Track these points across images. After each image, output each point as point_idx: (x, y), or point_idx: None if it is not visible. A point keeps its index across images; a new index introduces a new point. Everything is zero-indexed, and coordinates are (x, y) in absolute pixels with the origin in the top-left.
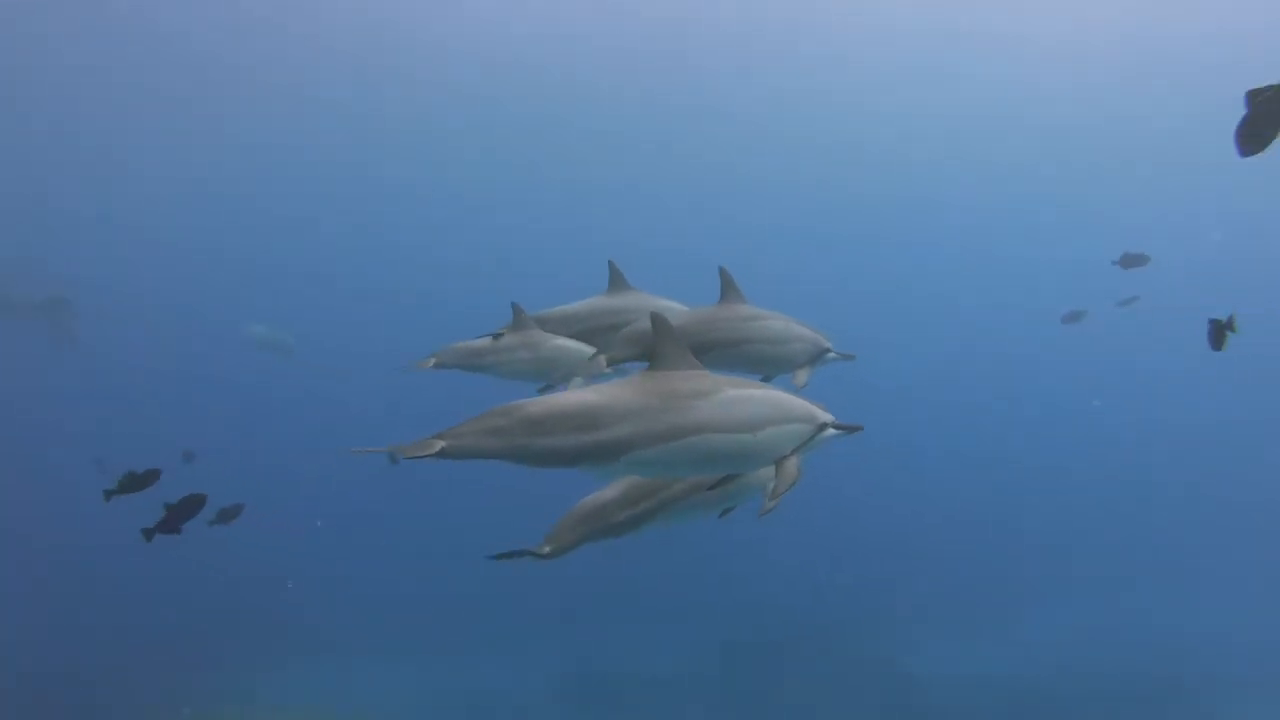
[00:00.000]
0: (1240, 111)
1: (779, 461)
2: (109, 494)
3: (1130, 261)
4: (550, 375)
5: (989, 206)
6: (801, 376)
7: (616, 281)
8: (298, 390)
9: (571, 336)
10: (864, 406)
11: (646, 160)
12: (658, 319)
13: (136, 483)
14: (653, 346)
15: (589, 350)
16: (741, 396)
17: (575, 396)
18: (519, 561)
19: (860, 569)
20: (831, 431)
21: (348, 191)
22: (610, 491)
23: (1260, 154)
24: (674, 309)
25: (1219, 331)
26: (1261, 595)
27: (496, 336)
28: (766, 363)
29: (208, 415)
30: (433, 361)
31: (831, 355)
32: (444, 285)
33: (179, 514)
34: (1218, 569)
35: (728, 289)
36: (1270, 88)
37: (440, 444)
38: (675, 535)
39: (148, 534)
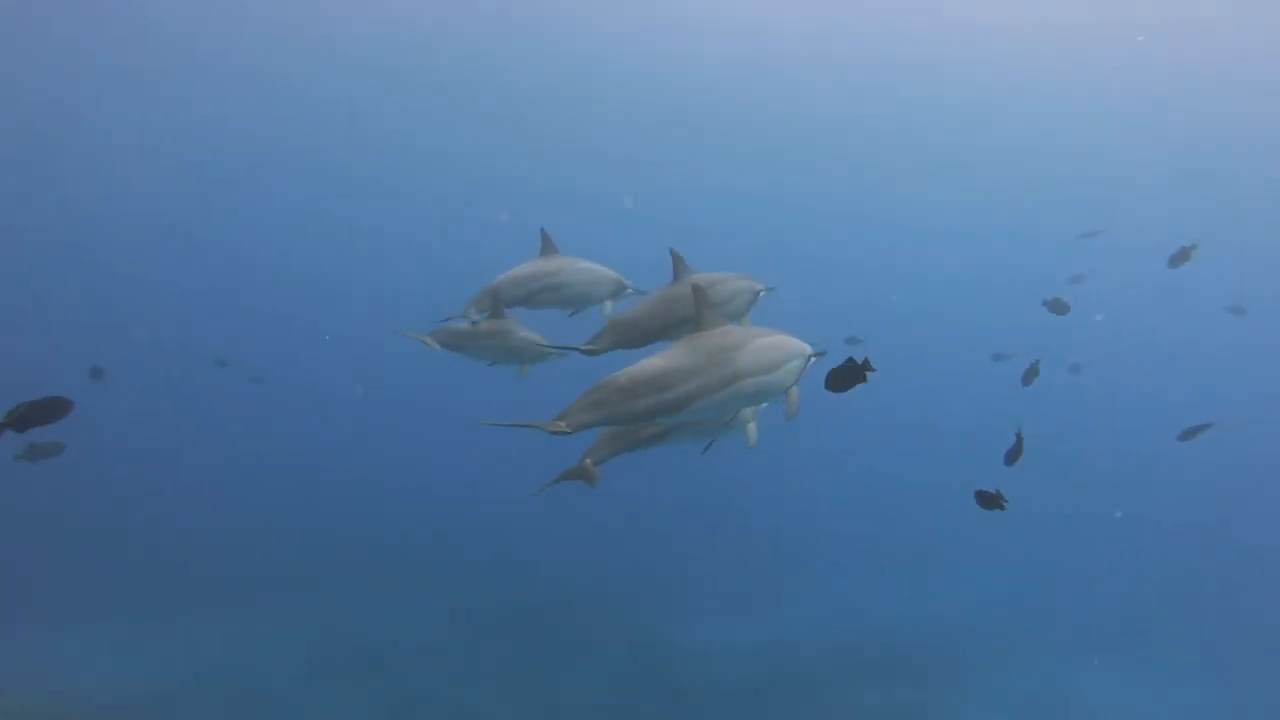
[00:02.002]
0: None
1: (789, 390)
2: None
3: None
4: (515, 360)
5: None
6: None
7: (548, 248)
8: None
9: (519, 295)
10: None
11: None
12: (698, 290)
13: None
14: (635, 337)
15: (544, 340)
16: (763, 344)
17: (650, 365)
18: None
19: (638, 547)
20: (813, 359)
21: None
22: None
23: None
24: (603, 271)
25: None
26: (999, 579)
27: (474, 324)
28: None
29: None
30: (430, 338)
31: (762, 291)
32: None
33: (34, 413)
34: (964, 554)
35: (680, 268)
36: None
37: (564, 424)
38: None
39: None
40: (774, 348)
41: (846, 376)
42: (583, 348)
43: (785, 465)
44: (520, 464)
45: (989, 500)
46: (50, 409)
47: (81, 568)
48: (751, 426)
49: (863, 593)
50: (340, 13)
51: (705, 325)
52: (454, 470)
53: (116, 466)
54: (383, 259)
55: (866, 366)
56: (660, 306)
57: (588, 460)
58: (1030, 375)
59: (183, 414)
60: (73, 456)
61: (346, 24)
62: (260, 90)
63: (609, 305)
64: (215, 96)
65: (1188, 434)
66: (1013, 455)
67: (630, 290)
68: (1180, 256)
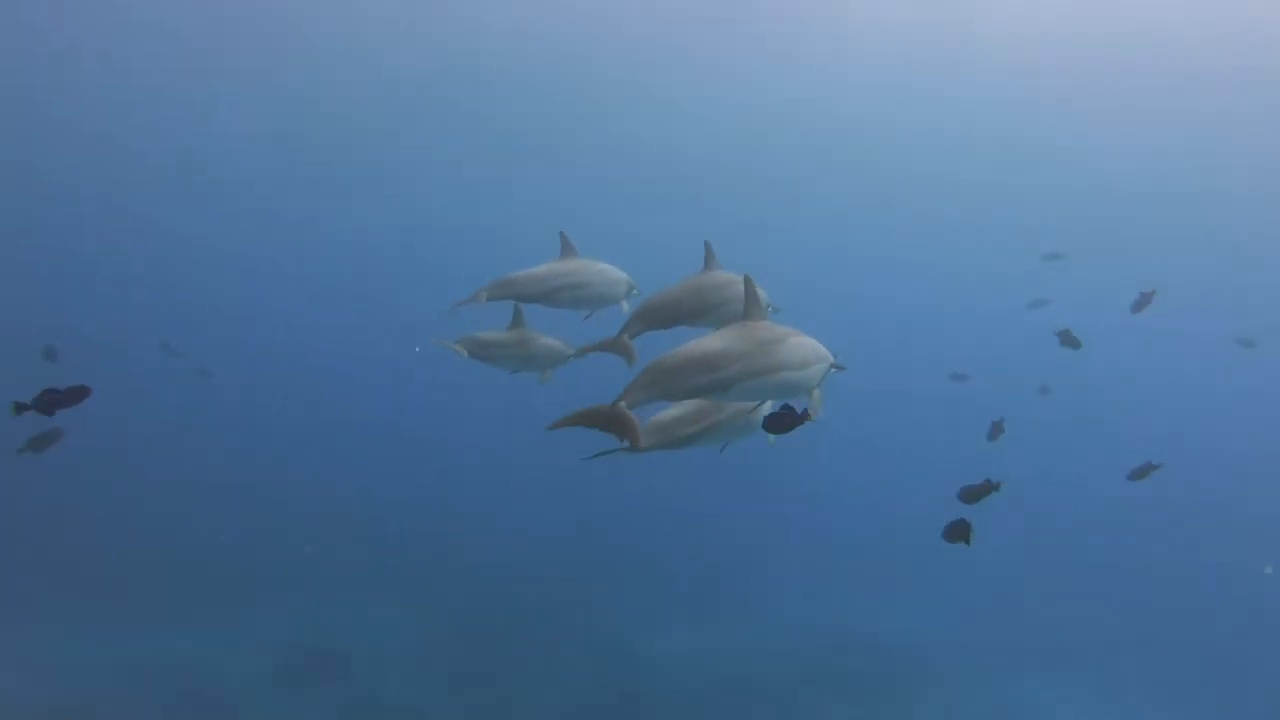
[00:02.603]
0: None
1: (813, 390)
2: (19, 407)
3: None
4: (535, 367)
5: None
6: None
7: (566, 249)
8: None
9: (539, 291)
10: None
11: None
12: (749, 284)
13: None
14: (663, 320)
15: (567, 348)
16: (799, 342)
17: (698, 346)
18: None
19: (602, 556)
20: (833, 369)
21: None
22: (674, 412)
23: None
24: (618, 273)
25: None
26: (956, 599)
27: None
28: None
29: None
30: (458, 346)
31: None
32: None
33: (60, 398)
34: (924, 572)
35: (710, 260)
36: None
37: (623, 403)
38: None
39: (18, 407)
40: (808, 347)
41: (784, 422)
42: (608, 343)
43: (749, 479)
44: (487, 471)
45: (956, 532)
46: (75, 394)
47: (33, 567)
48: (813, 404)
49: (823, 607)
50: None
51: (752, 316)
52: (419, 476)
53: (75, 464)
54: (362, 261)
55: (805, 417)
56: (689, 294)
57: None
58: (995, 432)
59: (142, 411)
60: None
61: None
62: (257, 91)
63: (625, 305)
64: (207, 97)
65: (1138, 474)
66: (972, 495)
67: (636, 292)
68: (1141, 302)
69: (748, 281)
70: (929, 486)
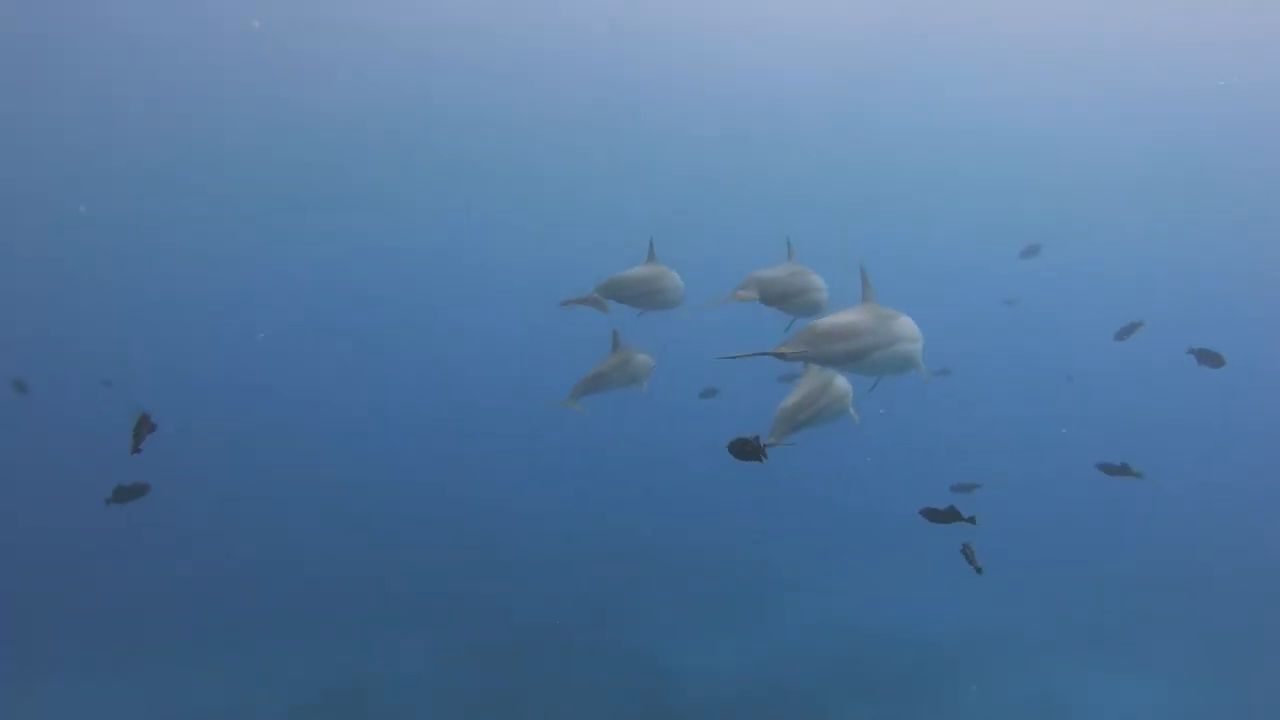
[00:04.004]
0: None
1: (919, 362)
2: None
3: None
4: (636, 382)
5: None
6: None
7: (651, 256)
8: None
9: (629, 294)
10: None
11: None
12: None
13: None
14: (772, 296)
15: (651, 359)
16: (907, 320)
17: (840, 317)
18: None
19: (620, 571)
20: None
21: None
22: (793, 399)
23: None
24: (680, 281)
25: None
26: (981, 589)
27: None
28: (818, 306)
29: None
30: (577, 395)
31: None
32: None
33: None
34: (944, 566)
35: (791, 254)
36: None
37: (783, 350)
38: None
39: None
40: (913, 324)
41: (743, 449)
42: (781, 350)
43: (767, 483)
44: (498, 496)
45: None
46: (147, 424)
47: (38, 616)
48: (925, 375)
49: (847, 607)
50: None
51: (868, 299)
52: (430, 503)
53: (73, 501)
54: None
55: (762, 452)
56: (790, 275)
57: (771, 439)
58: (965, 488)
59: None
60: (29, 490)
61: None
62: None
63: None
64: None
65: (1110, 470)
66: (943, 517)
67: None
68: (1126, 331)
69: (863, 270)
70: (931, 480)
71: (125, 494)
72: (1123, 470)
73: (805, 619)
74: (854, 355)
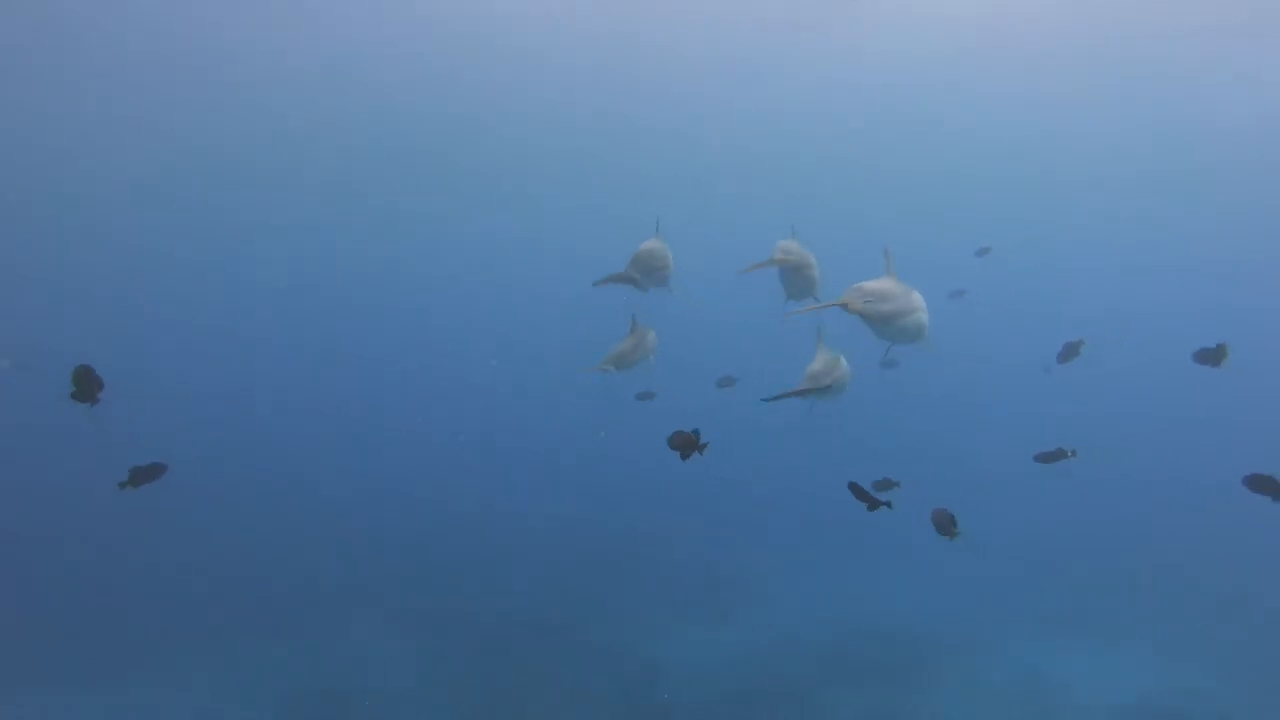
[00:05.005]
0: None
1: (925, 333)
2: (123, 486)
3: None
4: (646, 355)
5: None
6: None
7: (660, 237)
8: None
9: (649, 267)
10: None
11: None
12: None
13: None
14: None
15: (655, 342)
16: (919, 295)
17: (881, 283)
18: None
19: (603, 567)
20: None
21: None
22: (817, 365)
23: None
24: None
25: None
26: (959, 576)
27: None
28: (815, 282)
29: None
30: (610, 366)
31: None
32: None
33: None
34: (926, 552)
35: (796, 237)
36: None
37: (847, 302)
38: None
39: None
40: (920, 298)
41: (685, 443)
42: (844, 302)
43: (748, 471)
44: (482, 495)
45: (944, 527)
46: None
47: (10, 630)
48: (929, 348)
49: (831, 595)
50: None
51: (891, 273)
52: (408, 507)
53: (43, 508)
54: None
55: (702, 447)
56: (802, 255)
57: (801, 389)
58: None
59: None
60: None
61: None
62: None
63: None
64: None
65: (1045, 457)
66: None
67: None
68: (1068, 352)
69: (886, 250)
70: (906, 471)
71: (142, 475)
72: (1057, 455)
73: (790, 611)
74: (896, 315)
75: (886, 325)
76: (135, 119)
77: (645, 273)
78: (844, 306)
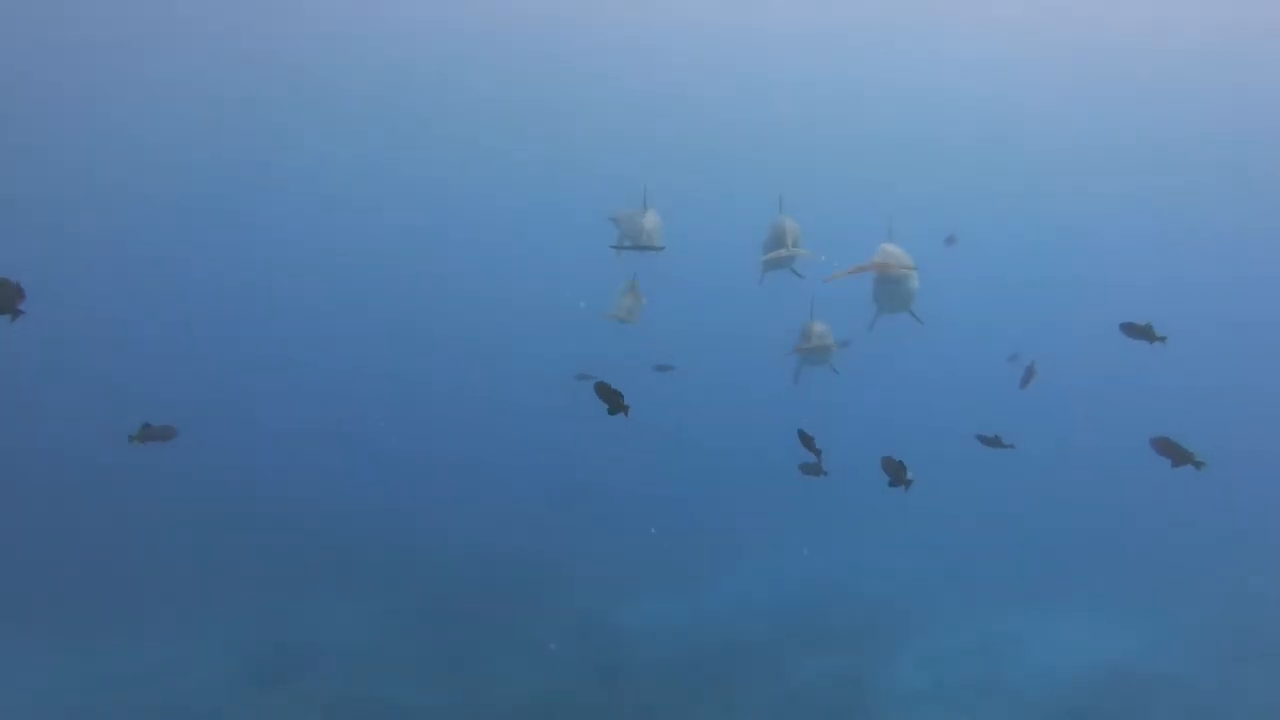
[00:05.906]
0: None
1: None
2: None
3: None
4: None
5: None
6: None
7: (647, 205)
8: None
9: (633, 230)
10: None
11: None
12: (890, 226)
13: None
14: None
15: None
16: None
17: (887, 249)
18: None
19: (562, 531)
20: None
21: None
22: (817, 326)
23: None
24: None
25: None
26: (920, 541)
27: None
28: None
29: None
30: (622, 313)
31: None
32: None
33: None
34: (884, 520)
35: (780, 205)
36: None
37: (865, 266)
38: None
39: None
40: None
41: (611, 397)
42: (876, 265)
43: (711, 440)
44: (436, 458)
45: (895, 474)
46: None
47: None
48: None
49: (788, 562)
50: None
51: (890, 245)
52: (369, 468)
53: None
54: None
55: (625, 408)
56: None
57: (800, 349)
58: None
59: (87, 413)
60: None
61: None
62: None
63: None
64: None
65: (987, 442)
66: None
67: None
68: (1027, 376)
69: (889, 224)
70: (875, 438)
71: (151, 434)
72: (994, 442)
73: (756, 575)
74: (904, 277)
75: (899, 288)
76: (136, 118)
77: (649, 237)
78: (884, 270)
